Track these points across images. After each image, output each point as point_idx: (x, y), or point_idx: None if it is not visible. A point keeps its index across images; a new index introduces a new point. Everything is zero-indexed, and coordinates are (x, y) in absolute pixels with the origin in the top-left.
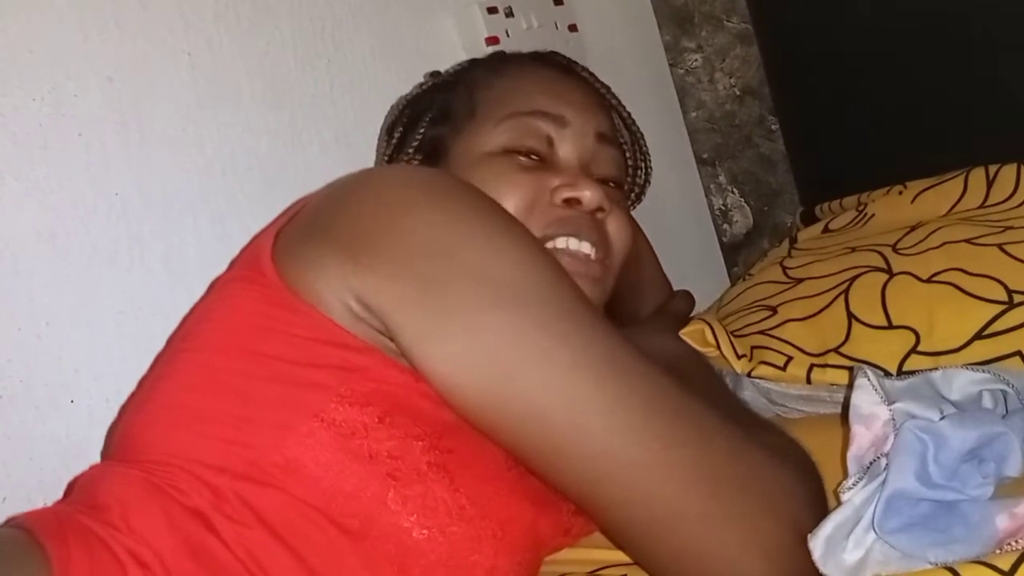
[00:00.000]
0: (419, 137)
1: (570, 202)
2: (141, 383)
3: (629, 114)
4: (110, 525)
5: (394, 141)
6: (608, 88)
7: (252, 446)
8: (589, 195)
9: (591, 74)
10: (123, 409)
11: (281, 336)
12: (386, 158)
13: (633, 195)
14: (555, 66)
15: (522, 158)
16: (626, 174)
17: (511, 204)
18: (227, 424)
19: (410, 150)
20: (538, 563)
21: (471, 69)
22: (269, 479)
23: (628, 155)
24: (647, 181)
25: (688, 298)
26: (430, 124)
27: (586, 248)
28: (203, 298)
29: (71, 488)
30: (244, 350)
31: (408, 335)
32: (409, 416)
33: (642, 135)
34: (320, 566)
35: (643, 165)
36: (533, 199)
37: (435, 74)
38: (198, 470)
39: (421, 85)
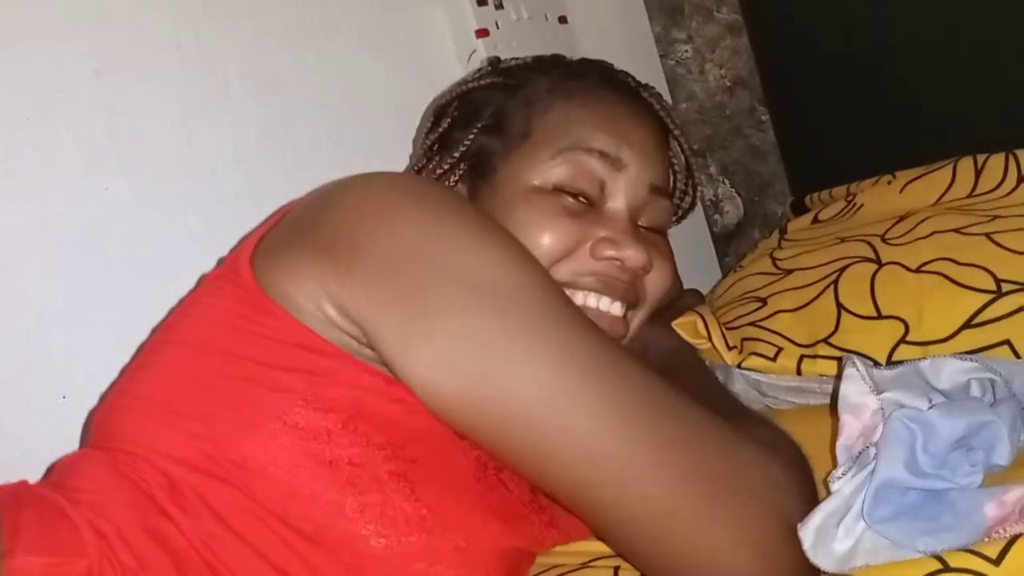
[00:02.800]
0: (468, 142)
1: (611, 259)
2: (122, 372)
3: (687, 141)
4: (72, 500)
5: (440, 130)
6: (670, 111)
7: (212, 441)
8: (632, 255)
9: (657, 98)
10: (103, 397)
11: (252, 337)
12: (428, 144)
13: (676, 218)
14: (622, 92)
15: (570, 200)
16: (673, 215)
17: (548, 245)
18: (193, 418)
19: (456, 154)
20: (517, 570)
21: (535, 77)
22: (225, 475)
23: (679, 180)
24: (692, 208)
25: (697, 296)
26: (481, 132)
27: (616, 310)
28: (189, 293)
29: (49, 472)
30: (217, 348)
31: (389, 340)
32: (374, 424)
33: (696, 164)
34: (276, 561)
35: (692, 192)
36: (573, 247)
37: (495, 63)
38: (159, 460)
39: (479, 76)
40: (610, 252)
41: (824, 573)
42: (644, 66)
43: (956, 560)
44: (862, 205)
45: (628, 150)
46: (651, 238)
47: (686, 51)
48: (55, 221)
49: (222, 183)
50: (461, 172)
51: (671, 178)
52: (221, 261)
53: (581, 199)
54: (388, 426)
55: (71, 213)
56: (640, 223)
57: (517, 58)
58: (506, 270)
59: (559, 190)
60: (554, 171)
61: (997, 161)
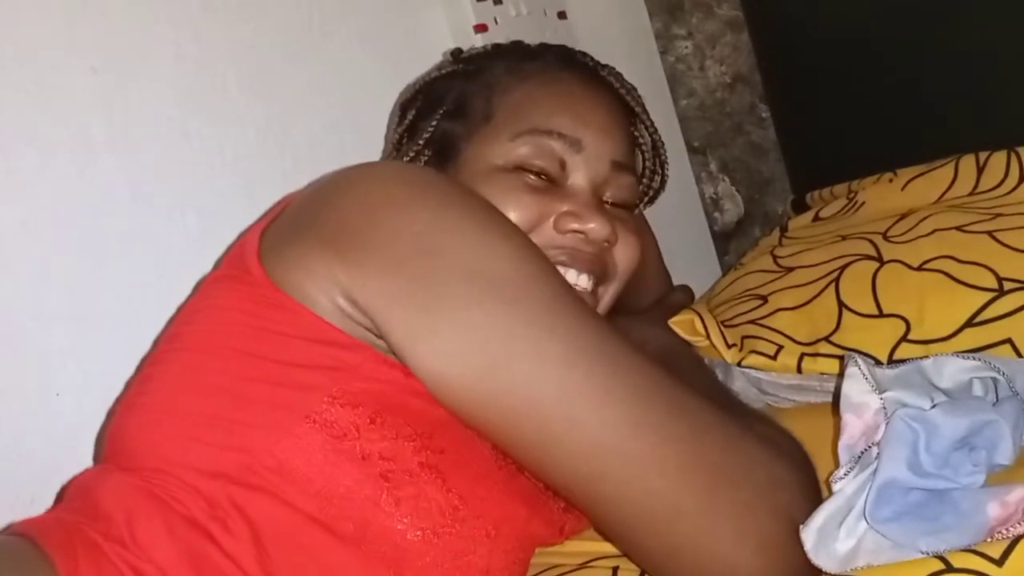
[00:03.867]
0: (431, 129)
1: (575, 232)
2: (129, 384)
3: (652, 121)
4: (114, 540)
5: (406, 123)
6: (632, 90)
7: (245, 449)
8: (595, 227)
9: (617, 76)
10: (112, 411)
11: (271, 336)
12: (396, 138)
13: (646, 199)
14: (580, 72)
15: (532, 177)
16: (640, 195)
17: (513, 221)
18: (219, 427)
19: (420, 141)
20: (526, 564)
21: (493, 61)
22: (263, 483)
23: (647, 160)
24: (662, 187)
25: (688, 292)
26: (444, 117)
27: (583, 282)
28: (189, 298)
29: (66, 491)
30: (234, 350)
31: (397, 332)
32: (400, 416)
33: (663, 143)
34: (318, 574)
35: (660, 171)
36: (536, 221)
37: (456, 54)
38: (191, 477)
39: (440, 67)
40: (573, 225)
41: (826, 573)
42: (644, 62)
43: (959, 560)
44: (863, 203)
45: (585, 129)
46: (616, 213)
47: (686, 47)
48: (52, 219)
49: (220, 182)
50: (426, 158)
51: (639, 158)
52: (218, 263)
53: (543, 177)
54: (413, 418)
55: (68, 211)
56: (605, 199)
57: (476, 47)
58: (513, 262)
59: (520, 168)
60: (514, 152)
61: (999, 159)
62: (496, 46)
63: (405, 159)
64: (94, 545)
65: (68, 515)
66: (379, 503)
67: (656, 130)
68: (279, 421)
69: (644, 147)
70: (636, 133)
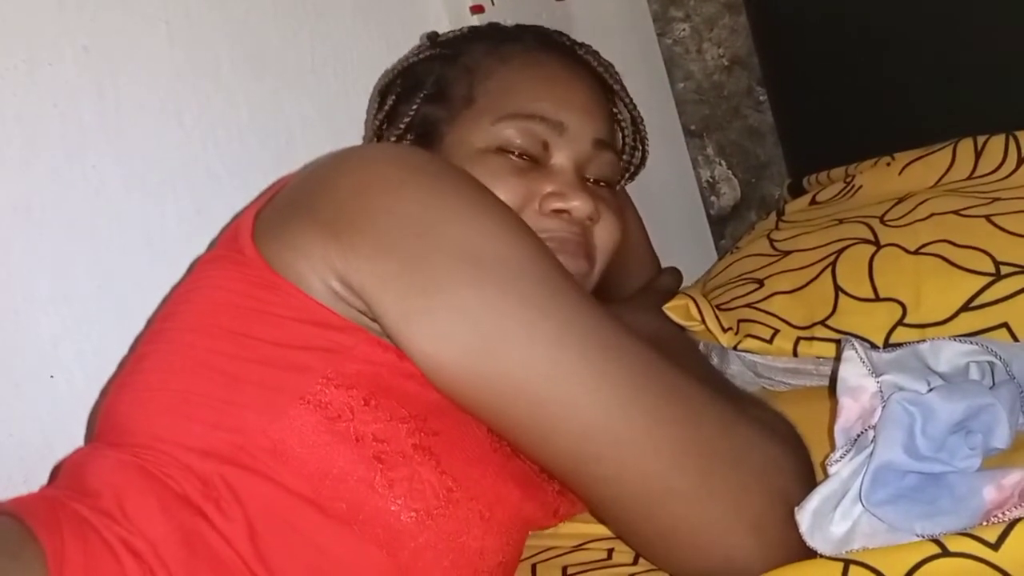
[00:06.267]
0: (412, 113)
1: (559, 212)
2: (123, 364)
3: (630, 98)
4: (103, 513)
5: (386, 108)
6: (609, 67)
7: (239, 430)
8: (579, 205)
9: (594, 55)
10: (106, 391)
11: (265, 317)
12: (377, 124)
13: (627, 175)
14: (557, 53)
15: (515, 158)
16: (621, 171)
17: None
18: (212, 407)
19: (402, 125)
20: (521, 546)
21: (471, 44)
22: (256, 464)
23: (627, 136)
24: (643, 163)
25: (676, 275)
26: (424, 101)
27: (581, 268)
28: (184, 278)
29: (58, 471)
30: (228, 331)
31: (391, 315)
32: (394, 398)
33: (642, 118)
34: (311, 555)
35: (641, 147)
36: (522, 203)
37: (433, 37)
38: (184, 455)
39: (418, 51)
40: (558, 204)
41: (820, 555)
42: (641, 45)
43: (955, 544)
44: (860, 187)
45: (568, 112)
46: (598, 191)
47: (684, 30)
48: (42, 200)
49: (212, 162)
50: (408, 143)
51: (619, 135)
52: (213, 244)
53: (525, 158)
54: (408, 400)
55: (59, 193)
56: (587, 176)
57: (454, 30)
58: (507, 243)
59: (503, 150)
60: (497, 135)
61: (997, 143)
62: (473, 29)
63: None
64: (81, 519)
65: (55, 492)
66: (373, 484)
67: (635, 106)
68: (272, 402)
69: (624, 124)
70: (615, 110)
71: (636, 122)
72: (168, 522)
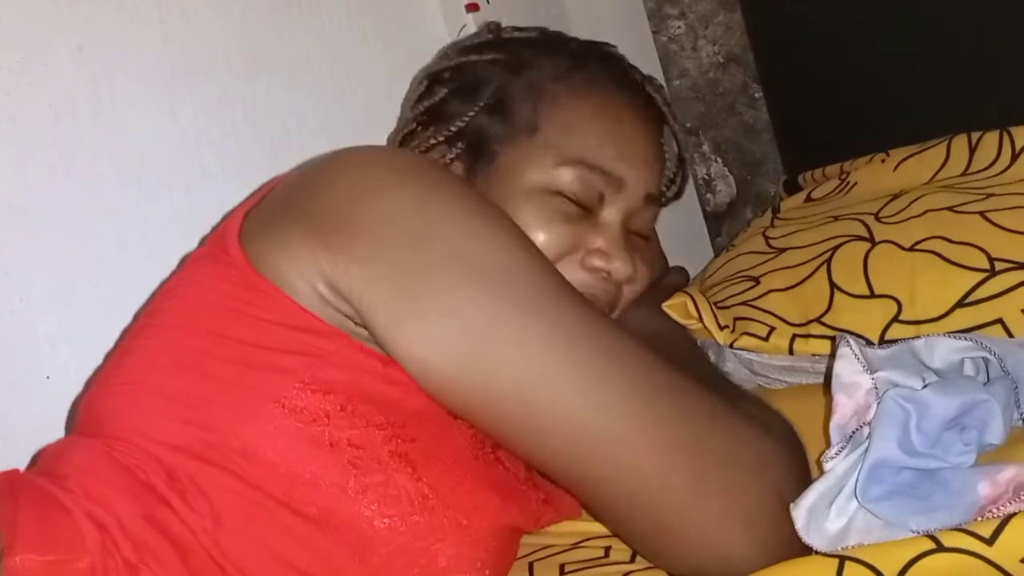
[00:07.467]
0: (467, 119)
1: (600, 270)
2: (107, 357)
3: (682, 135)
4: (68, 490)
5: (435, 99)
6: (671, 105)
7: (211, 428)
8: (620, 267)
9: (659, 91)
10: (89, 383)
11: (245, 318)
12: (419, 112)
13: (662, 204)
14: (629, 93)
15: (568, 203)
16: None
17: (542, 246)
18: (187, 404)
19: (453, 129)
20: (509, 550)
21: (537, 60)
22: (225, 462)
23: (668, 171)
24: (676, 197)
25: (682, 274)
26: (482, 111)
27: None
28: (172, 274)
29: (35, 460)
30: (207, 330)
31: (381, 318)
32: (372, 405)
33: (688, 158)
34: (279, 548)
35: (679, 182)
36: (567, 252)
37: (495, 30)
38: (154, 448)
39: (478, 47)
40: (600, 263)
41: (816, 551)
42: (636, 42)
43: (949, 540)
44: (855, 183)
45: (628, 166)
46: (637, 243)
47: (679, 27)
48: (38, 200)
49: (207, 161)
50: (458, 150)
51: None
52: (203, 240)
53: (578, 205)
54: (387, 406)
55: (54, 192)
56: (631, 228)
57: (518, 28)
58: (497, 247)
59: (560, 194)
60: (557, 178)
61: (991, 139)
62: (543, 36)
63: (431, 141)
64: (43, 493)
65: (20, 473)
66: (345, 489)
67: (686, 146)
68: (246, 402)
69: (669, 158)
70: (664, 146)
71: (683, 161)
72: (132, 503)
